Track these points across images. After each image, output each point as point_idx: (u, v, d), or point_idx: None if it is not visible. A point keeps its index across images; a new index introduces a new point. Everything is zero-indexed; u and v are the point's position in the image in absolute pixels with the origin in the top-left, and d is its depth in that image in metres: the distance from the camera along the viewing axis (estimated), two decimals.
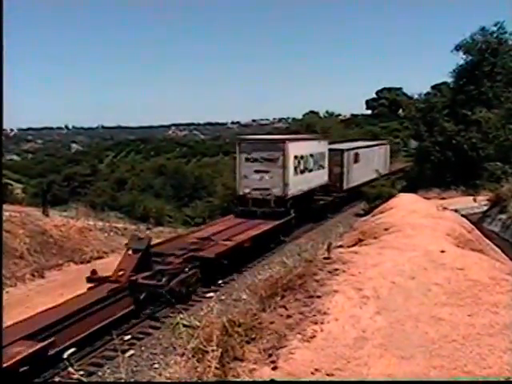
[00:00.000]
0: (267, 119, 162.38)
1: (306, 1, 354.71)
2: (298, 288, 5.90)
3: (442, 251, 7.29)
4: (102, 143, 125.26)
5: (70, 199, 41.92)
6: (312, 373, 4.51)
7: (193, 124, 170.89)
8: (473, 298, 5.88)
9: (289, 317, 5.37)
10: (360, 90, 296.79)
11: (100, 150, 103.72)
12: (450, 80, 35.72)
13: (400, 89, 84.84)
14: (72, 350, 10.62)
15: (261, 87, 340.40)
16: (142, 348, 12.35)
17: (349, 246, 9.11)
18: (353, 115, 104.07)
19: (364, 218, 16.34)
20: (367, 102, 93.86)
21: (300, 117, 75.50)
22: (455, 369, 4.61)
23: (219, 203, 35.05)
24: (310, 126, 57.16)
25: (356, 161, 33.37)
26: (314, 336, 4.98)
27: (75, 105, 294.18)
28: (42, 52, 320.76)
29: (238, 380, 4.45)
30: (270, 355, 4.74)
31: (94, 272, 13.70)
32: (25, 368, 8.92)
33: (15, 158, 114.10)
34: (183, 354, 4.80)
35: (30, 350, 9.23)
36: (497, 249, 12.02)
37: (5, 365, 8.00)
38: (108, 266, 15.81)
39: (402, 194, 19.00)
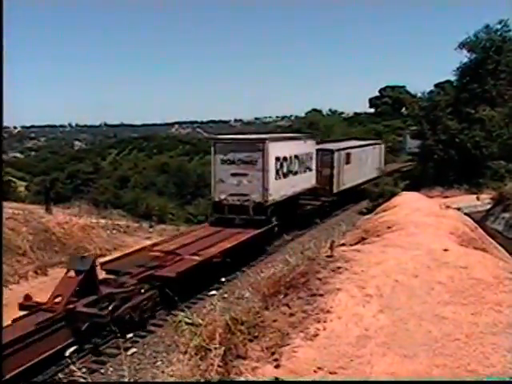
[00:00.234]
0: (270, 117, 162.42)
1: None
2: (300, 286, 5.89)
3: (446, 250, 7.27)
4: (105, 141, 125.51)
5: (73, 197, 41.87)
6: (315, 371, 4.50)
7: (196, 122, 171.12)
8: (476, 296, 5.87)
9: (292, 315, 5.36)
10: (363, 88, 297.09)
11: (103, 148, 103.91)
12: (453, 78, 35.63)
13: (403, 87, 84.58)
14: (73, 347, 10.63)
15: (264, 85, 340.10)
16: (145, 346, 12.39)
17: (352, 245, 9.09)
18: (356, 113, 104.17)
19: (367, 216, 16.32)
20: (370, 100, 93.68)
21: (303, 115, 75.57)
22: (458, 367, 4.60)
23: None
24: (312, 124, 57.13)
25: (347, 162, 31.38)
26: (317, 334, 4.97)
27: (78, 103, 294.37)
28: (45, 50, 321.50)
29: (240, 380, 4.44)
30: (273, 353, 4.73)
31: (27, 297, 11.74)
32: None
33: (18, 155, 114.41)
34: (186, 352, 4.80)
35: None
36: (500, 247, 11.99)
37: None
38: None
39: (405, 192, 18.97)
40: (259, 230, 19.53)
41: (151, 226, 27.91)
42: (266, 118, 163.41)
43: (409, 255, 7.05)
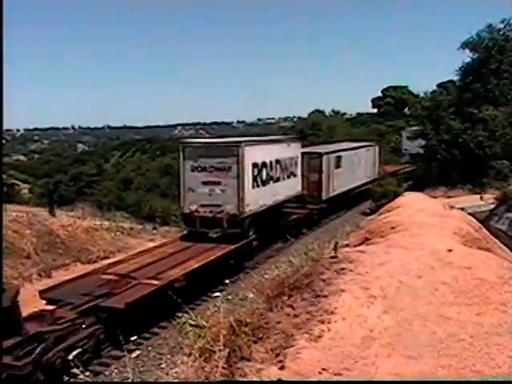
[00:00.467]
0: (273, 118, 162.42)
1: None
2: (304, 287, 5.89)
3: (450, 250, 7.24)
4: (108, 143, 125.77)
5: (77, 199, 41.97)
6: (319, 372, 4.49)
7: (199, 123, 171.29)
8: (481, 296, 5.85)
9: (296, 316, 5.35)
10: (366, 89, 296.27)
11: (106, 150, 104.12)
12: (456, 78, 35.62)
13: (406, 87, 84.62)
14: (77, 351, 10.60)
15: (266, 86, 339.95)
16: (149, 348, 12.39)
17: (355, 245, 9.07)
18: (358, 114, 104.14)
19: (371, 217, 16.30)
20: (373, 100, 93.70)
21: (306, 116, 75.60)
22: (463, 368, 4.59)
23: None
24: (315, 124, 57.17)
25: (338, 166, 29.30)
26: (322, 335, 4.96)
27: (81, 105, 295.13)
28: (48, 52, 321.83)
29: (245, 380, 4.44)
30: (277, 355, 4.73)
31: None
32: None
33: (22, 158, 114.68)
34: (190, 354, 4.80)
35: None
36: (504, 247, 11.94)
37: None
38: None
39: (408, 192, 18.93)
40: (234, 246, 17.56)
41: (155, 228, 27.91)
42: (268, 119, 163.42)
43: (413, 256, 7.04)
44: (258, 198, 19.25)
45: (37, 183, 66.12)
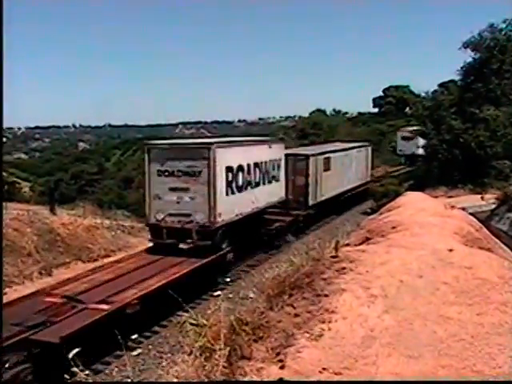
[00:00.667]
0: (274, 117, 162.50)
1: None
2: (305, 287, 5.88)
3: (450, 250, 7.24)
4: (109, 142, 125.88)
5: (77, 197, 42.00)
6: (320, 372, 4.49)
7: (200, 122, 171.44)
8: (481, 296, 5.84)
9: (296, 315, 5.35)
10: (367, 88, 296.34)
11: (107, 149, 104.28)
12: (457, 78, 35.64)
13: (407, 87, 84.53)
14: (76, 349, 10.57)
15: (268, 85, 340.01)
16: (150, 346, 12.41)
17: (356, 245, 9.06)
18: (360, 113, 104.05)
19: (371, 217, 16.29)
20: (374, 100, 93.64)
21: (307, 115, 75.59)
22: (464, 368, 4.58)
23: None
24: (316, 124, 57.19)
25: (327, 168, 27.56)
26: (322, 335, 4.96)
27: (82, 103, 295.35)
28: (49, 51, 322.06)
29: (245, 380, 4.44)
30: (278, 354, 4.72)
31: None
32: None
33: (23, 156, 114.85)
34: (191, 353, 4.80)
35: None
36: (505, 247, 11.93)
37: None
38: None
39: (409, 192, 18.92)
40: (205, 260, 15.92)
41: None
42: (269, 118, 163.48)
43: (413, 255, 7.03)
44: (232, 206, 17.55)
45: (38, 181, 66.26)
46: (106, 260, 18.49)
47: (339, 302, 5.51)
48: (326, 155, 27.94)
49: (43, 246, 18.62)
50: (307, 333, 5.00)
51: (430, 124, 33.24)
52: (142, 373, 10.82)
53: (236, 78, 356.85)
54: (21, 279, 16.03)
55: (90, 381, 5.34)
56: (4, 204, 20.87)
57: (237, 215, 17.87)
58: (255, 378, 4.43)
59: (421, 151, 44.72)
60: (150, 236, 17.63)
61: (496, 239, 12.03)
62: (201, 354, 4.76)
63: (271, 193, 21.03)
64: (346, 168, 31.02)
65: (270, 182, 20.83)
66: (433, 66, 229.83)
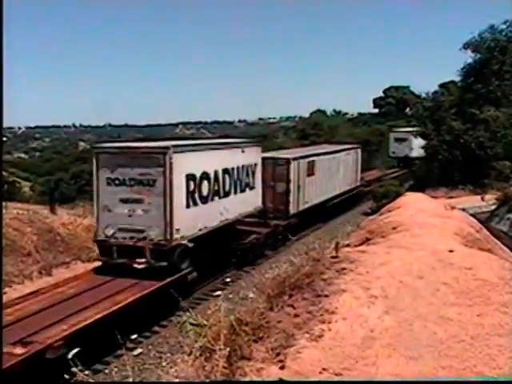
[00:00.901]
0: (274, 118, 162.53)
1: None
2: (305, 287, 5.88)
3: (451, 250, 7.24)
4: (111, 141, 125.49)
5: (78, 197, 41.91)
6: (320, 372, 4.49)
7: (200, 122, 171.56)
8: (482, 297, 5.84)
9: (296, 316, 5.35)
10: (367, 89, 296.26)
11: None
12: (457, 78, 35.58)
13: (407, 87, 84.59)
14: (76, 350, 10.55)
15: (268, 86, 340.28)
16: (149, 346, 12.41)
17: (356, 245, 9.08)
18: (360, 114, 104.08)
19: (371, 217, 16.29)
20: (374, 100, 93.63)
21: (307, 115, 75.61)
22: (464, 369, 4.58)
23: None
24: (317, 124, 57.20)
25: (311, 173, 25.33)
26: (322, 335, 4.96)
27: (83, 103, 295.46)
28: (50, 50, 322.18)
29: (245, 380, 4.44)
30: (278, 354, 4.72)
31: None
32: None
33: (23, 155, 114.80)
34: (190, 353, 4.79)
35: None
36: (505, 248, 11.94)
37: None
38: None
39: (409, 192, 18.93)
40: (159, 284, 13.72)
41: None
42: (270, 118, 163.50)
43: (414, 256, 7.04)
44: (195, 220, 15.37)
45: (38, 181, 66.12)
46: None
47: (339, 302, 5.51)
48: (310, 159, 25.68)
49: (43, 245, 18.62)
50: (307, 333, 5.00)
51: (430, 125, 33.22)
52: (142, 373, 10.83)
53: (236, 78, 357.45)
54: (21, 279, 16.04)
55: (91, 381, 5.33)
56: (4, 203, 20.89)
57: (201, 230, 15.64)
58: (255, 379, 4.43)
59: (415, 153, 43.97)
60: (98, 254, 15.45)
61: (496, 240, 12.05)
62: (201, 355, 4.76)
63: (245, 202, 18.82)
64: (332, 172, 28.82)
65: (243, 190, 18.64)
66: (433, 66, 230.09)
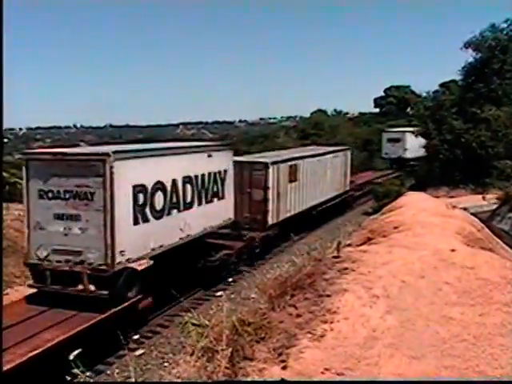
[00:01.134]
0: (275, 118, 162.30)
1: None
2: (307, 287, 5.88)
3: (452, 250, 7.24)
4: (111, 142, 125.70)
5: None
6: (322, 372, 4.48)
7: (201, 122, 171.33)
8: (484, 297, 5.84)
9: (298, 316, 5.35)
10: (368, 88, 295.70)
11: None
12: (458, 78, 35.49)
13: (408, 87, 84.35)
14: (78, 350, 10.52)
15: (269, 85, 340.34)
16: (151, 347, 12.41)
17: (358, 245, 9.07)
18: (361, 113, 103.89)
19: (373, 217, 16.29)
20: (375, 100, 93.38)
21: (308, 115, 75.63)
22: (467, 369, 4.58)
23: None
24: (317, 124, 57.24)
25: (293, 179, 22.97)
26: (324, 335, 4.95)
27: (83, 104, 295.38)
28: (51, 51, 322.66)
29: (248, 380, 4.44)
30: (280, 354, 4.72)
31: None
32: None
33: None
34: (193, 353, 4.79)
35: None
36: (507, 247, 11.95)
37: None
38: None
39: (410, 192, 18.92)
40: (100, 317, 11.60)
41: None
42: (270, 118, 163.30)
43: (415, 256, 7.03)
44: (146, 239, 13.17)
45: None
46: None
47: (341, 302, 5.51)
48: (292, 162, 23.15)
49: None
50: (309, 333, 4.99)
51: (431, 124, 33.19)
52: (144, 373, 10.83)
53: (237, 78, 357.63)
54: (22, 280, 16.05)
55: (91, 381, 5.33)
56: (5, 204, 20.88)
57: (154, 249, 13.46)
58: (257, 379, 4.42)
59: (409, 154, 43.26)
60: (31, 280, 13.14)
61: (498, 239, 12.05)
62: (203, 355, 4.76)
63: (212, 215, 16.55)
64: (318, 177, 26.36)
65: (209, 201, 16.37)
66: (434, 65, 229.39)
